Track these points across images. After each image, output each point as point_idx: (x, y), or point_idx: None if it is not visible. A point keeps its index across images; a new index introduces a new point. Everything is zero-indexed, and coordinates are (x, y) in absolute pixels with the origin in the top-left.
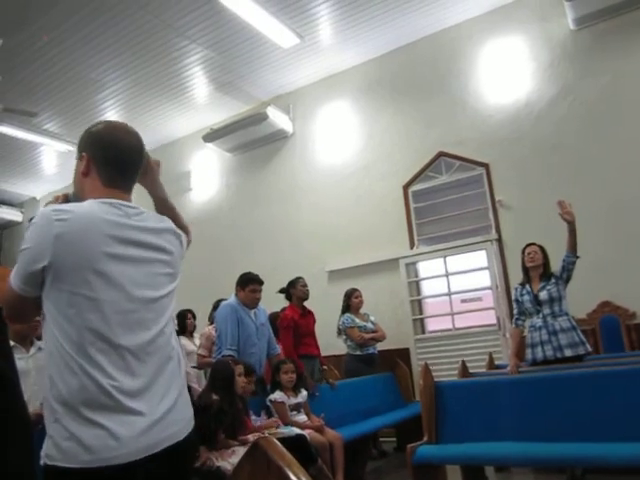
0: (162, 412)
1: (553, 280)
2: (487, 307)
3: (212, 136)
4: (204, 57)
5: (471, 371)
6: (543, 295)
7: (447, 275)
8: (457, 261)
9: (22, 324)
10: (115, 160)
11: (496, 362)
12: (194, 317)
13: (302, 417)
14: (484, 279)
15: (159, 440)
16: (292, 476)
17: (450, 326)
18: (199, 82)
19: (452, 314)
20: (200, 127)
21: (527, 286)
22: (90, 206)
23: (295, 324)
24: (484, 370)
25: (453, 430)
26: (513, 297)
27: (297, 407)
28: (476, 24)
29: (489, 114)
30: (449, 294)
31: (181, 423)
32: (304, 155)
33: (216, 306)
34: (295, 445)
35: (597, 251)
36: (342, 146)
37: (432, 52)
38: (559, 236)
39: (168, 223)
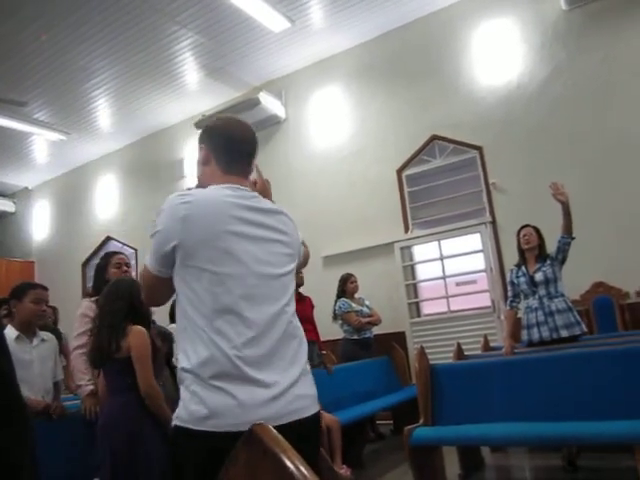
0: (285, 386)
1: (549, 261)
2: (482, 290)
3: (204, 123)
4: (195, 43)
5: (466, 353)
6: (539, 276)
7: (442, 258)
8: (452, 244)
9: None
10: (231, 149)
11: (491, 344)
12: None
13: None
14: (479, 262)
15: (283, 413)
16: (288, 462)
17: (445, 309)
18: (190, 68)
19: (447, 297)
20: (192, 114)
21: (523, 268)
22: (211, 190)
23: None
24: (479, 352)
25: (449, 412)
26: (508, 279)
27: None
28: (467, 6)
29: (482, 96)
30: (444, 277)
31: (306, 400)
32: (297, 140)
33: None
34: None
35: (590, 232)
36: (335, 131)
37: (424, 35)
38: (553, 218)
39: (281, 208)
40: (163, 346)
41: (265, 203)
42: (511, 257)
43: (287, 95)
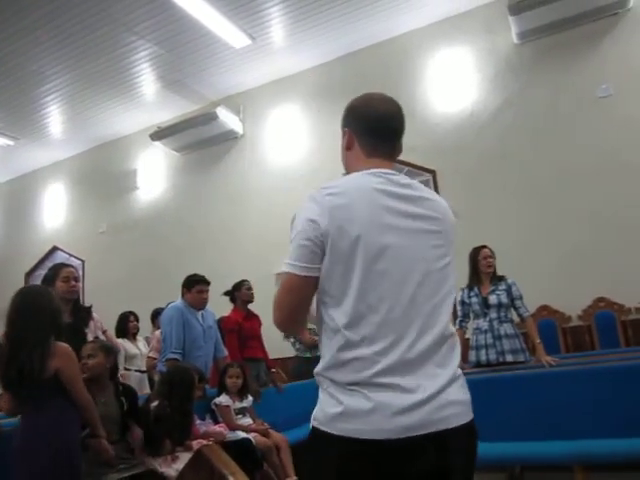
0: (431, 392)
1: (503, 286)
2: None
3: (160, 134)
4: (153, 54)
5: None
6: (493, 299)
7: None
8: None
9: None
10: (374, 128)
11: None
12: (137, 319)
13: (247, 420)
14: None
15: (425, 422)
16: None
17: None
18: (147, 79)
19: None
20: (147, 125)
21: (475, 289)
22: (356, 178)
23: (239, 327)
24: None
25: None
26: (459, 299)
27: (242, 411)
28: (425, 33)
29: (436, 122)
30: None
31: (457, 407)
32: (254, 157)
33: (161, 311)
34: (240, 449)
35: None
36: (292, 149)
37: (382, 59)
38: (502, 241)
39: (436, 195)
40: (107, 361)
41: (417, 189)
42: (461, 278)
43: (245, 111)
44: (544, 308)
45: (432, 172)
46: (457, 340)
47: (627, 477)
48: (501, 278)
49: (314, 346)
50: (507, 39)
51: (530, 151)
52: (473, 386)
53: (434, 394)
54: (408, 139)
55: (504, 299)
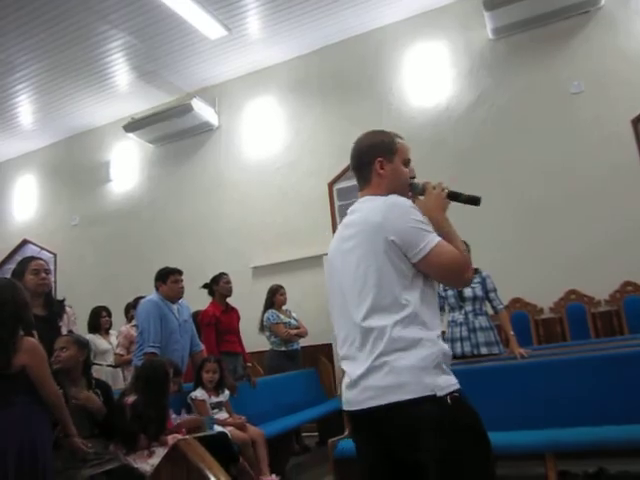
0: (353, 378)
1: (478, 279)
2: None
3: (133, 126)
4: (126, 44)
5: None
6: (468, 292)
7: None
8: None
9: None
10: None
11: None
12: (109, 314)
13: (224, 415)
14: None
15: (355, 400)
16: (212, 478)
17: None
18: (120, 69)
19: None
20: (121, 116)
21: None
22: None
23: (217, 321)
24: None
25: None
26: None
27: (219, 405)
28: (402, 27)
29: (412, 116)
30: None
31: (371, 392)
32: (230, 150)
33: (134, 304)
34: (216, 443)
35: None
36: (268, 142)
37: (359, 52)
38: (477, 235)
39: (368, 204)
40: (80, 354)
41: (351, 213)
42: None
43: (221, 103)
44: (517, 301)
45: None
46: (381, 333)
47: (595, 464)
48: (475, 271)
49: (289, 340)
50: (482, 35)
51: (505, 145)
52: None
53: (356, 380)
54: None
55: (479, 292)
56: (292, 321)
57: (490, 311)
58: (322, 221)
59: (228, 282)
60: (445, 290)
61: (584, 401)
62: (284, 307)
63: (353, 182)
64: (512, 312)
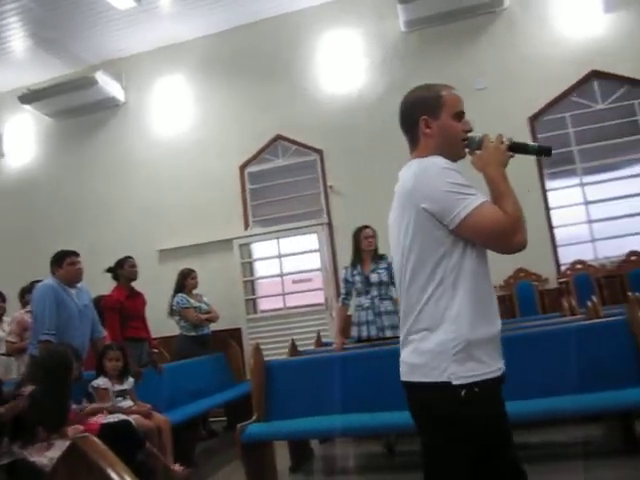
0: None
1: (384, 265)
2: (316, 288)
3: (30, 97)
4: (22, 7)
5: (300, 349)
6: (374, 277)
7: (280, 256)
8: (290, 243)
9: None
10: None
11: (323, 340)
12: (3, 300)
13: (128, 403)
14: (314, 261)
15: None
16: (115, 477)
17: (281, 305)
18: (16, 34)
19: (283, 294)
20: (16, 86)
21: (358, 267)
22: None
23: (121, 306)
24: (312, 348)
25: (282, 407)
26: (342, 277)
27: (122, 393)
28: (318, 12)
29: (326, 102)
30: (281, 275)
31: (403, 366)
32: (137, 127)
33: (29, 289)
34: (119, 432)
35: None
36: (178, 121)
37: (275, 35)
38: (383, 221)
39: (406, 171)
40: None
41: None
42: (344, 257)
43: (128, 78)
44: (521, 270)
45: (319, 152)
46: (413, 308)
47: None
48: (382, 257)
49: (199, 325)
50: (395, 26)
51: None
52: (354, 361)
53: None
54: (297, 118)
55: (385, 277)
56: (203, 306)
57: (395, 295)
58: (233, 204)
59: (133, 266)
60: (353, 275)
61: (527, 374)
62: (195, 291)
63: (264, 166)
64: (516, 282)
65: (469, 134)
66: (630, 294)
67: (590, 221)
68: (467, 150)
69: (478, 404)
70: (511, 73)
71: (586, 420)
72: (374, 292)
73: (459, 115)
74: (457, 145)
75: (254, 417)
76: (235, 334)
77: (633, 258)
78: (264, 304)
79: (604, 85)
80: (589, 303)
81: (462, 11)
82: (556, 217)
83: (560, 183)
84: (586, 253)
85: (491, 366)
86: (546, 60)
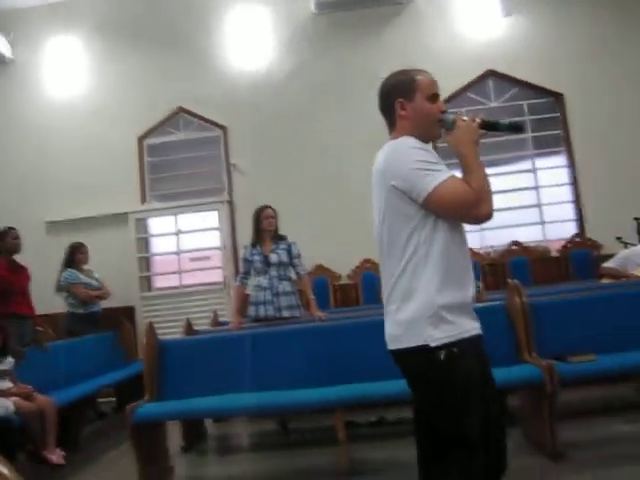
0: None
1: (284, 245)
2: (215, 266)
3: None
4: None
5: (197, 328)
6: (273, 258)
7: (178, 233)
8: (189, 219)
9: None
10: None
11: (220, 319)
12: None
13: (7, 384)
14: (214, 239)
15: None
16: None
17: (178, 284)
18: None
19: (180, 272)
20: None
21: (258, 247)
22: None
23: (3, 280)
24: (209, 327)
25: (176, 387)
26: (242, 256)
27: (1, 374)
28: None
29: (232, 78)
30: (178, 252)
31: (387, 336)
32: (26, 88)
33: None
34: None
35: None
36: (73, 85)
37: (182, 2)
38: (287, 201)
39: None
40: None
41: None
42: (245, 236)
43: (17, 33)
44: (319, 267)
45: (223, 128)
46: (390, 279)
47: (377, 413)
48: (282, 237)
49: (89, 302)
50: (306, 7)
51: (318, 117)
52: (250, 340)
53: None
54: (201, 91)
55: (284, 258)
56: (94, 282)
57: (294, 276)
58: (130, 177)
59: (16, 237)
60: (252, 255)
61: (371, 360)
62: (85, 266)
63: (165, 139)
64: (314, 278)
65: (443, 115)
66: (510, 280)
67: None
68: (444, 131)
69: (458, 361)
70: (414, 65)
71: None
72: (273, 272)
73: (434, 97)
74: (432, 125)
75: (145, 397)
76: (128, 312)
77: (514, 247)
78: (159, 282)
79: (498, 84)
80: (476, 288)
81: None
82: None
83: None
84: (473, 242)
85: (465, 326)
86: (447, 56)
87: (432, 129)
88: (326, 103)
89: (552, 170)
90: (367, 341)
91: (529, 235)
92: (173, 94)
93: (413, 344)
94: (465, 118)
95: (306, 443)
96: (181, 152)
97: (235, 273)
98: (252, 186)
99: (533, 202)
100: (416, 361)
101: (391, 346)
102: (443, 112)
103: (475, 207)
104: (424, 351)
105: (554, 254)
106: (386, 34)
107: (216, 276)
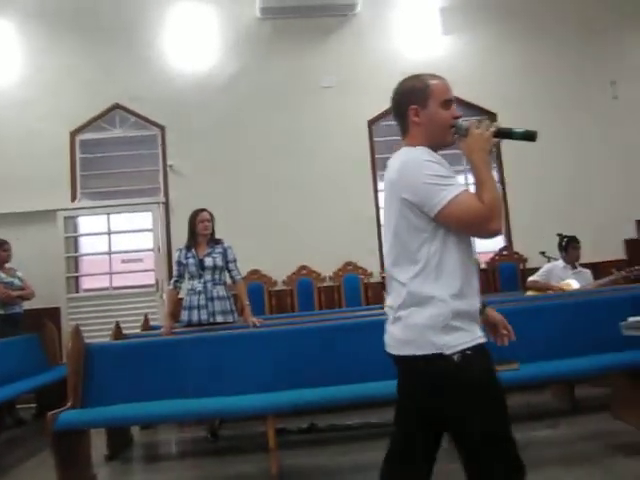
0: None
1: (220, 249)
2: (147, 268)
3: None
4: None
5: (127, 332)
6: (208, 262)
7: (109, 233)
8: (121, 220)
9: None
10: None
11: (152, 323)
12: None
13: None
14: (147, 240)
15: (386, 342)
16: None
17: (107, 285)
18: None
19: (111, 273)
20: None
21: (192, 250)
22: None
23: None
24: (139, 331)
25: (102, 393)
26: (175, 259)
27: None
28: None
29: (172, 77)
30: (109, 253)
31: (392, 340)
32: None
33: None
34: None
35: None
36: (2, 73)
37: None
38: (224, 204)
39: (395, 159)
40: None
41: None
42: (180, 238)
43: None
44: (255, 272)
45: (162, 127)
46: (401, 287)
47: (308, 420)
48: (218, 241)
49: (9, 302)
50: (251, 11)
51: (258, 122)
52: (182, 345)
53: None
54: (140, 88)
55: (219, 262)
56: (16, 281)
57: (229, 281)
58: (60, 173)
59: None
60: (187, 258)
61: (304, 367)
62: (8, 265)
63: (99, 135)
64: (249, 283)
65: (456, 121)
66: None
67: None
68: (456, 137)
69: (475, 363)
70: (356, 76)
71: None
72: (207, 276)
73: (447, 103)
74: (445, 132)
75: (69, 404)
76: (53, 314)
77: None
78: (88, 283)
79: None
80: None
81: (317, 9)
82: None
83: None
84: None
85: (475, 332)
86: (388, 69)
87: (445, 136)
88: (267, 108)
89: None
90: (300, 348)
91: None
92: (110, 89)
93: (427, 352)
94: (479, 125)
95: (236, 450)
96: (116, 150)
97: (168, 276)
98: (189, 188)
99: None
100: (431, 368)
101: (399, 351)
102: (457, 118)
103: (486, 223)
104: (439, 358)
105: (483, 266)
106: (329, 44)
107: (148, 279)
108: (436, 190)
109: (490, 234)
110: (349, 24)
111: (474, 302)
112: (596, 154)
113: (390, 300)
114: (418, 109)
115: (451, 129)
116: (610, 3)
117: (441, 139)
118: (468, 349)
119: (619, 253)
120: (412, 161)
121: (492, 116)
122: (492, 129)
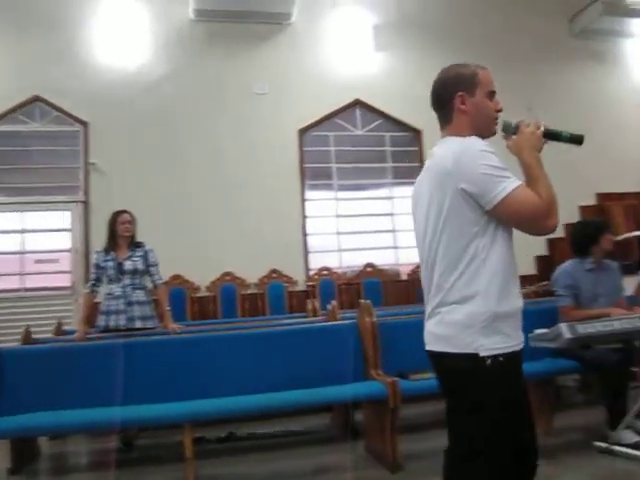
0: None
1: (140, 253)
2: (63, 270)
3: None
4: None
5: (38, 336)
6: (128, 265)
7: (23, 232)
8: (36, 218)
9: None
10: None
11: (66, 327)
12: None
13: None
14: (64, 241)
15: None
16: None
17: (19, 286)
18: None
19: (22, 274)
20: None
21: (112, 253)
22: None
23: None
24: (51, 336)
25: (8, 402)
26: (93, 261)
27: None
28: None
29: (98, 72)
30: (22, 252)
31: (429, 337)
32: None
33: None
34: None
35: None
36: None
37: None
38: (147, 207)
39: (441, 149)
40: None
41: (432, 156)
42: (99, 239)
43: None
44: (177, 277)
45: (85, 124)
46: (443, 283)
47: (227, 429)
48: (139, 244)
49: None
50: (184, 11)
51: (187, 125)
52: (96, 352)
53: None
54: (62, 82)
55: (140, 265)
56: None
57: (149, 285)
58: None
59: None
60: (105, 261)
61: (225, 374)
62: None
63: (17, 127)
64: (171, 288)
65: (505, 119)
66: (362, 301)
67: (339, 233)
68: (503, 134)
69: (501, 372)
70: (288, 85)
71: (320, 410)
72: (127, 280)
73: (491, 94)
74: (490, 123)
75: None
76: None
77: (369, 269)
78: None
79: (364, 114)
80: (329, 306)
81: (252, 15)
82: (310, 226)
83: (318, 195)
84: (332, 261)
85: (514, 339)
86: (320, 81)
87: (490, 126)
88: (197, 111)
89: (407, 199)
90: (220, 355)
91: (384, 258)
92: (30, 80)
93: (462, 350)
94: (529, 124)
95: (152, 460)
96: (35, 144)
97: (85, 279)
98: (111, 188)
99: (388, 227)
100: (462, 367)
101: (435, 347)
102: (499, 110)
103: (545, 218)
104: (472, 359)
105: (404, 277)
106: (263, 51)
107: (64, 280)
108: (496, 181)
109: (546, 230)
110: (283, 33)
111: (516, 302)
112: None
113: (430, 297)
114: (465, 96)
115: (495, 120)
116: (533, 32)
117: (486, 129)
118: (501, 355)
119: (530, 269)
120: (469, 150)
121: (418, 133)
122: (542, 129)
